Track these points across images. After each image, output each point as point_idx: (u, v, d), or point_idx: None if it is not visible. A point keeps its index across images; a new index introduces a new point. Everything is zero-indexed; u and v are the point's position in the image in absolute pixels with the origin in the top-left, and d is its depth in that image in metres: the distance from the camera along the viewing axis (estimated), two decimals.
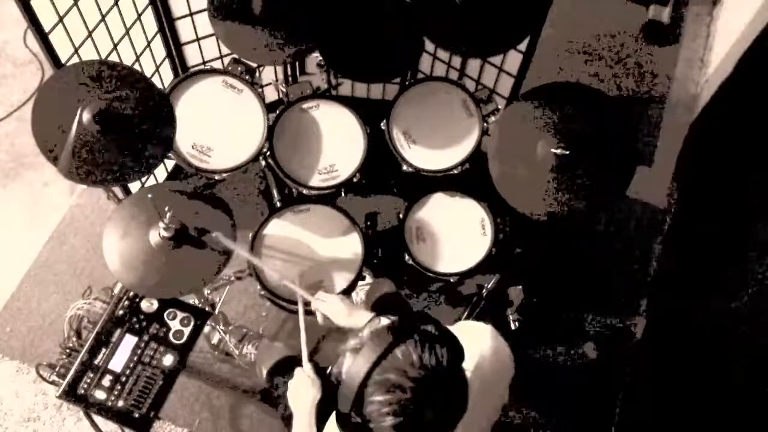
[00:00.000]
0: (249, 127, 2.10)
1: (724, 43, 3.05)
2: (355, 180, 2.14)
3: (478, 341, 1.26)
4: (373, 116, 2.21)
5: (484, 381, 1.19)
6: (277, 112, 2.17)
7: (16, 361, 2.35)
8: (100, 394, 1.66)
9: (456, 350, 1.03)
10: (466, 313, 2.24)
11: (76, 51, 1.99)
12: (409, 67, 2.45)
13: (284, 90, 2.27)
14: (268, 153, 2.11)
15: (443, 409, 1.00)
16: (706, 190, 2.71)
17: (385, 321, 1.10)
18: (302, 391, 1.48)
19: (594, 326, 2.53)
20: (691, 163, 2.87)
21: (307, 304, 1.66)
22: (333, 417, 1.23)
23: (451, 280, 2.13)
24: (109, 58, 2.15)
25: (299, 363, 1.56)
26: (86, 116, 1.52)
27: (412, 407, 0.97)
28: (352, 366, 1.01)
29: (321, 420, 1.38)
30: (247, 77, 2.14)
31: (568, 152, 1.61)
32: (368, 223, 2.31)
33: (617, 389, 2.40)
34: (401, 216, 2.16)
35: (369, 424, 1.00)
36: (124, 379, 1.68)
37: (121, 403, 1.65)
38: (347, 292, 1.99)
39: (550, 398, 2.35)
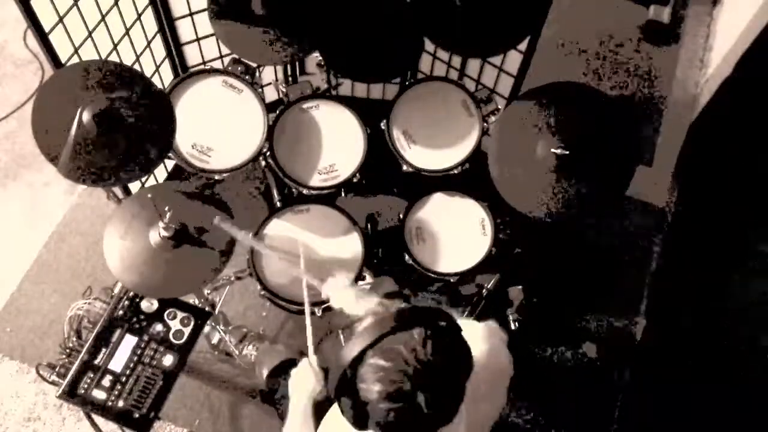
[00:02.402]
0: (249, 127, 2.10)
1: (724, 43, 3.05)
2: (355, 180, 2.14)
3: (474, 342, 1.25)
4: (373, 116, 2.20)
5: (481, 382, 1.19)
6: (277, 112, 2.17)
7: (16, 361, 2.35)
8: (100, 394, 1.66)
9: (460, 354, 1.02)
10: (466, 313, 2.24)
11: (76, 51, 1.99)
12: (409, 67, 2.45)
13: (284, 90, 2.27)
14: (268, 153, 2.11)
15: (433, 399, 0.97)
16: (706, 190, 2.71)
17: (395, 307, 1.08)
18: (303, 379, 1.46)
19: (594, 326, 2.52)
20: (691, 163, 2.87)
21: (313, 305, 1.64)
22: (331, 411, 1.23)
23: (451, 280, 2.13)
24: (109, 58, 2.15)
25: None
26: (86, 116, 1.52)
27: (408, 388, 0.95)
28: (350, 343, 1.00)
29: (319, 418, 1.37)
30: (247, 77, 2.14)
31: (568, 152, 1.61)
32: (368, 223, 2.31)
33: (617, 389, 2.40)
34: (401, 216, 2.16)
35: (359, 384, 0.99)
36: (124, 379, 1.69)
37: (121, 403, 1.66)
38: None
39: (550, 398, 2.35)
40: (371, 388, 0.96)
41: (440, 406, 0.98)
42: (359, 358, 0.98)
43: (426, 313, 1.03)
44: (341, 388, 1.00)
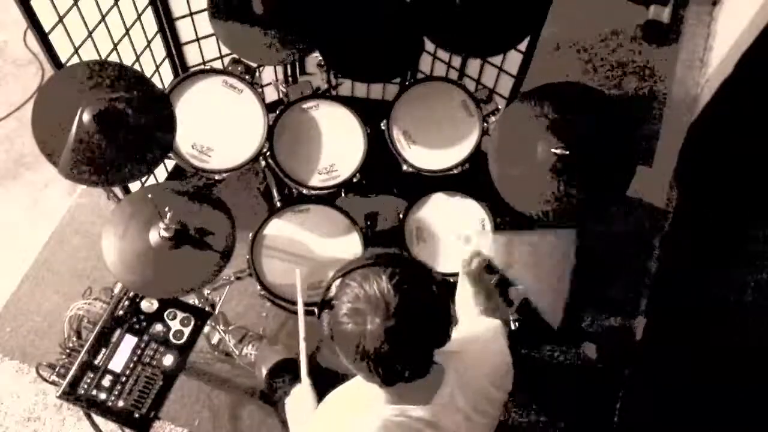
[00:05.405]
0: (249, 127, 2.10)
1: (724, 43, 3.04)
2: (355, 180, 2.14)
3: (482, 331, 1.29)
4: (373, 116, 2.21)
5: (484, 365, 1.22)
6: (277, 112, 2.17)
7: (16, 361, 2.35)
8: (100, 394, 1.66)
9: (424, 311, 1.05)
10: None
11: (76, 51, 1.99)
12: (409, 67, 2.45)
13: (284, 90, 2.27)
14: (268, 153, 2.11)
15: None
16: (706, 190, 2.71)
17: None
18: (301, 403, 1.45)
19: (594, 326, 2.52)
20: (691, 163, 2.87)
21: (313, 305, 1.64)
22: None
23: (451, 280, 2.13)
24: (109, 58, 2.15)
25: (299, 365, 1.55)
26: (86, 116, 1.52)
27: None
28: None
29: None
30: (247, 77, 2.14)
31: (568, 152, 1.61)
32: (368, 223, 2.31)
33: (617, 389, 2.40)
34: (401, 216, 2.15)
35: (334, 300, 1.07)
36: (124, 379, 1.69)
37: (121, 403, 1.65)
38: None
39: (550, 398, 2.35)
40: (342, 301, 1.05)
41: (386, 343, 1.01)
42: (340, 278, 1.09)
43: (412, 263, 1.11)
44: (324, 303, 1.10)
